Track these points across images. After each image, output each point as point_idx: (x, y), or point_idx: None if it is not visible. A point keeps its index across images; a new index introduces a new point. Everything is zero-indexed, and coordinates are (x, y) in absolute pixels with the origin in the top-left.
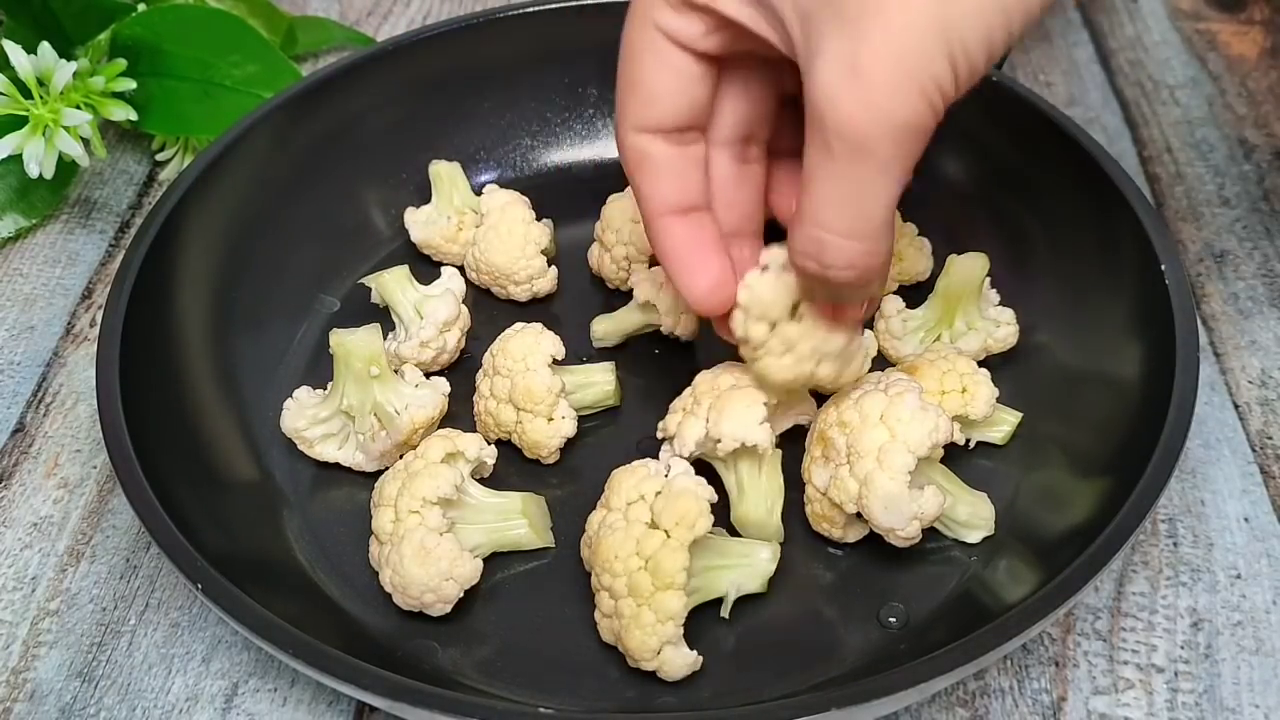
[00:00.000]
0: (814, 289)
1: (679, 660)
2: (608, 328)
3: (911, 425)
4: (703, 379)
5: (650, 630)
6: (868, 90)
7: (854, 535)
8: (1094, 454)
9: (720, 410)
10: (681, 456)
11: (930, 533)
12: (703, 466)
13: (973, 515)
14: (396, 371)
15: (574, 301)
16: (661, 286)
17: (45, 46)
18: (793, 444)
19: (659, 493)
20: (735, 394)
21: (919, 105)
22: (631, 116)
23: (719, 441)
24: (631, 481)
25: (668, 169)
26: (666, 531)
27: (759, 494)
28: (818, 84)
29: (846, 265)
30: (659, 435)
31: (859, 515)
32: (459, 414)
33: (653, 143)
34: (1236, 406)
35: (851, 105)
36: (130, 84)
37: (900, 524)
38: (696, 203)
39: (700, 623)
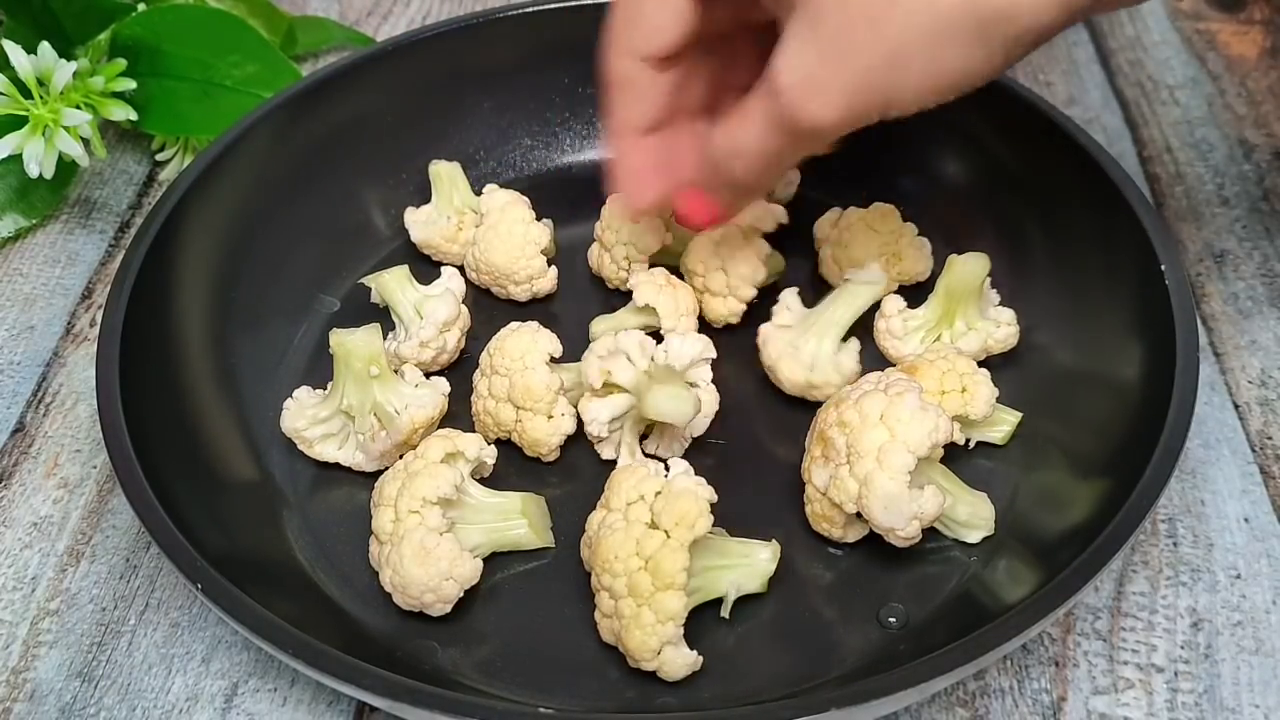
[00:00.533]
0: (705, 174)
1: (679, 660)
2: (607, 328)
3: (911, 425)
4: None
5: (650, 630)
6: (816, 97)
7: (854, 535)
8: (1094, 454)
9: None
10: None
11: (930, 533)
12: (700, 471)
13: (973, 515)
14: (396, 371)
15: (574, 301)
16: (661, 289)
17: (45, 46)
18: (792, 444)
19: (659, 493)
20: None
21: (849, 120)
22: (628, 45)
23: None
24: (631, 482)
25: (649, 92)
26: (666, 532)
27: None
28: (780, 66)
29: (740, 173)
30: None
31: (859, 515)
32: (459, 414)
33: (642, 69)
34: (1236, 406)
35: (799, 100)
36: (130, 84)
37: (900, 524)
38: (662, 121)
39: (700, 623)
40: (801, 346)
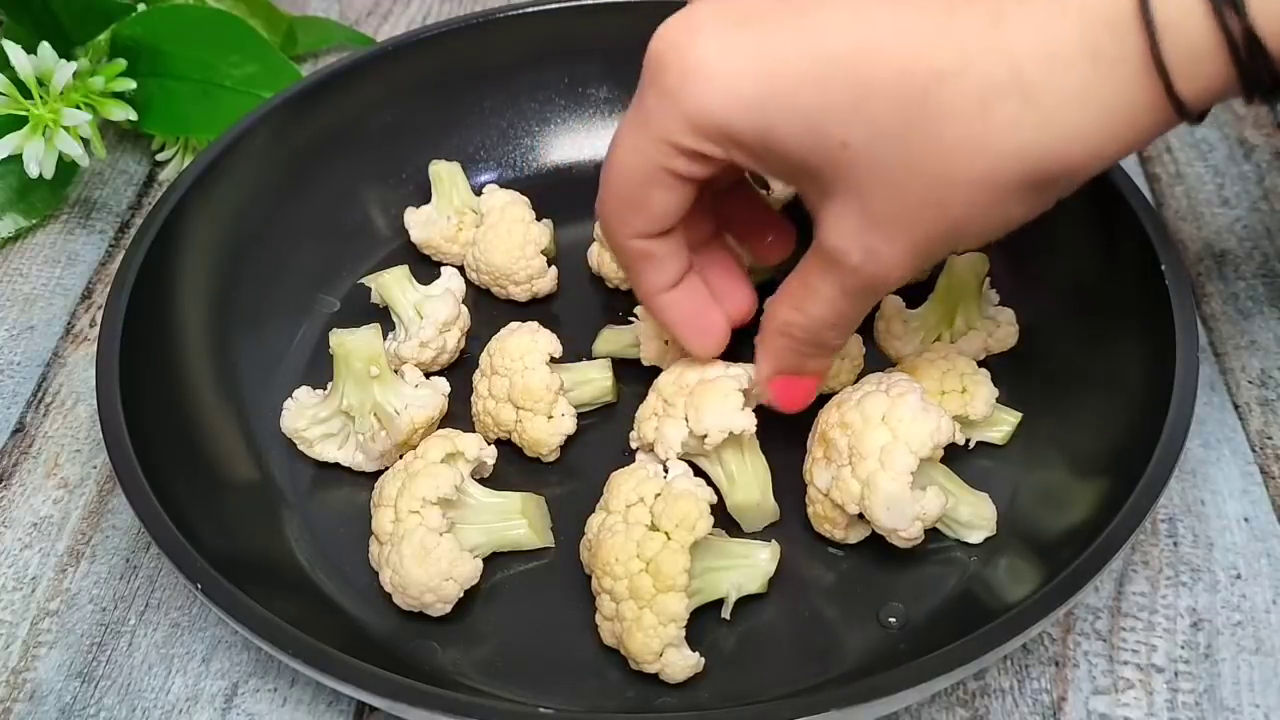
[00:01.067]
0: (781, 353)
1: (681, 662)
2: (610, 349)
3: (913, 426)
4: (665, 381)
5: (652, 633)
6: (884, 265)
7: (856, 536)
8: (1094, 454)
9: (698, 406)
10: (664, 460)
11: (931, 533)
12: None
13: (974, 516)
14: (396, 371)
15: (574, 301)
16: (668, 342)
17: (45, 46)
18: (792, 444)
19: (658, 495)
20: (707, 388)
21: (914, 272)
22: (633, 229)
23: (705, 437)
24: (631, 484)
25: (667, 257)
26: (667, 534)
27: (749, 478)
28: (840, 245)
29: (834, 340)
30: (633, 445)
31: (861, 516)
32: (459, 414)
33: (655, 242)
34: (1236, 406)
35: (870, 271)
36: (130, 84)
37: (903, 525)
38: (687, 269)
39: (701, 624)
40: None
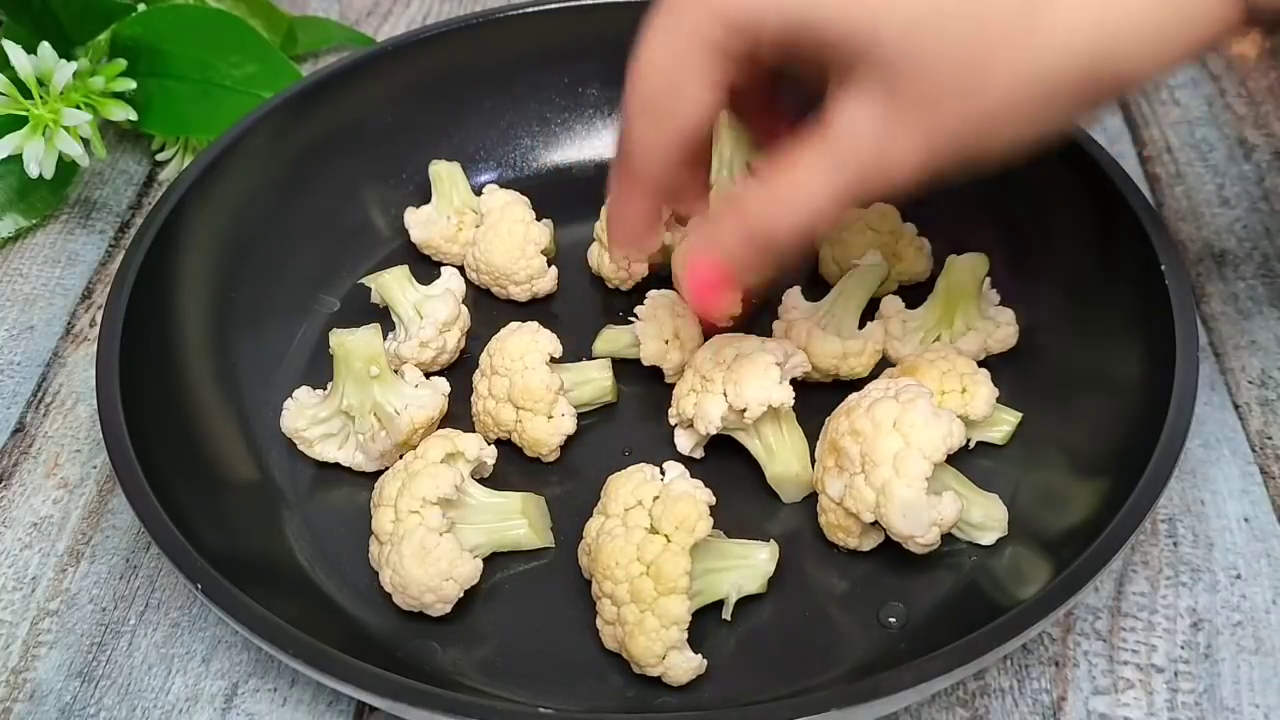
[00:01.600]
0: (724, 237)
1: (684, 665)
2: (610, 349)
3: (926, 431)
4: (702, 358)
5: (655, 636)
6: (889, 154)
7: (870, 544)
8: (1094, 454)
9: (737, 381)
10: (705, 434)
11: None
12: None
13: (987, 517)
14: (396, 371)
15: (574, 301)
16: (668, 342)
17: (45, 46)
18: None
19: (656, 497)
20: (745, 362)
21: (920, 177)
22: (663, 132)
23: (744, 410)
24: (629, 487)
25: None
26: (667, 536)
27: (787, 450)
28: (847, 122)
29: (785, 232)
30: (672, 422)
31: (875, 524)
32: (459, 414)
33: (679, 170)
34: (1236, 406)
35: (871, 156)
36: (130, 84)
37: (920, 531)
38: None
39: (701, 625)
40: (827, 324)
